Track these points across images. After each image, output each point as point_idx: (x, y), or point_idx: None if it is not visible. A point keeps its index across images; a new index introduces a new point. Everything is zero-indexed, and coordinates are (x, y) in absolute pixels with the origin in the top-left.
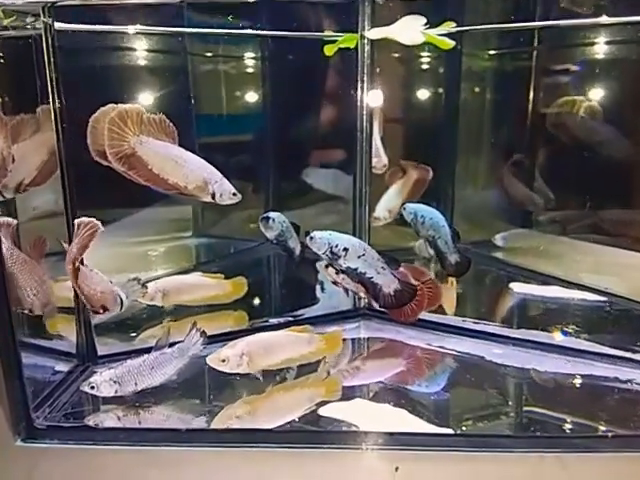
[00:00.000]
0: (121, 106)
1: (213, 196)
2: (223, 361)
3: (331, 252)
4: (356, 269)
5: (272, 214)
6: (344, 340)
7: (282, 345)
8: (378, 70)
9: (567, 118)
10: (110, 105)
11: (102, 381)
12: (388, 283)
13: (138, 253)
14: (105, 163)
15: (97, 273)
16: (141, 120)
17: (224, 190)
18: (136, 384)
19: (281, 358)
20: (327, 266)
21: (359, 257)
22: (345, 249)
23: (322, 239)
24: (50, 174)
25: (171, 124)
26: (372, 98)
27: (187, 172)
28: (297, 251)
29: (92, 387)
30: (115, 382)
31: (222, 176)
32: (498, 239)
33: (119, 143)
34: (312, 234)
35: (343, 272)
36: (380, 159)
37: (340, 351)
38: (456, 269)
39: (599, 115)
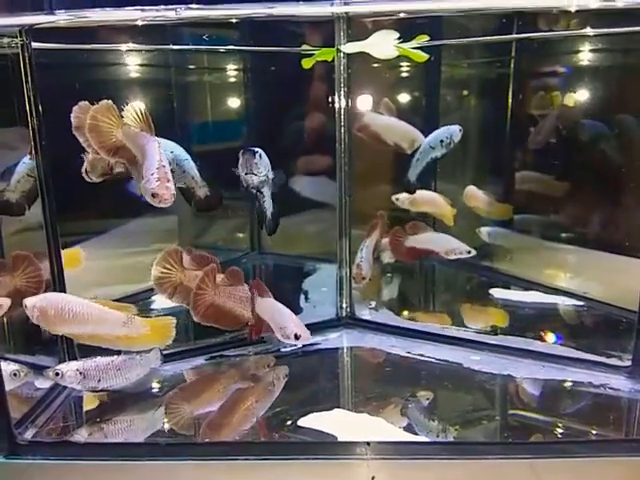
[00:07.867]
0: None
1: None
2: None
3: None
4: None
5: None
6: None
7: (86, 315)
8: (355, 83)
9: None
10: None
11: (68, 370)
12: None
13: (124, 265)
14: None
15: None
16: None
17: (145, 189)
18: (99, 381)
19: (87, 331)
20: None
21: None
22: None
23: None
24: None
25: (146, 113)
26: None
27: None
28: None
29: (57, 374)
30: (81, 374)
31: (155, 177)
32: (483, 232)
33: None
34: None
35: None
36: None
37: (170, 341)
38: (207, 203)
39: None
